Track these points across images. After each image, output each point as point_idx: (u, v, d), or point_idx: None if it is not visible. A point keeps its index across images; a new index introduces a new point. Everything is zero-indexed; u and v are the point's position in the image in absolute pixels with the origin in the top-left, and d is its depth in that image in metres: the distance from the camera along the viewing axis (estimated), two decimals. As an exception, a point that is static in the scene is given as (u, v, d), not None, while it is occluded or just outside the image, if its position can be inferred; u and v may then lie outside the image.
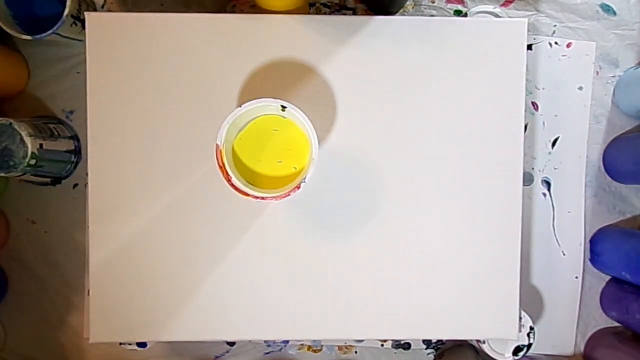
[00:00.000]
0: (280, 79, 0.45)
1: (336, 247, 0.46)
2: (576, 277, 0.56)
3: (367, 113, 0.46)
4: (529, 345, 0.50)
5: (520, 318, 0.47)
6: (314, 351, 0.57)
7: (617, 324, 0.56)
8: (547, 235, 0.56)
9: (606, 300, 0.56)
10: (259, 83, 0.45)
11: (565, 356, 0.57)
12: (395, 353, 0.57)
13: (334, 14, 0.54)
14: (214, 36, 0.45)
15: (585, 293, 0.56)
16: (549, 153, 0.56)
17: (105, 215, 0.45)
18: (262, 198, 0.40)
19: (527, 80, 0.52)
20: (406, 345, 0.56)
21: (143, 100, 0.45)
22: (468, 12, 0.52)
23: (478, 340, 0.51)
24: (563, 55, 0.56)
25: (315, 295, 0.46)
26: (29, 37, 0.49)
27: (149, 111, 0.45)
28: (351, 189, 0.46)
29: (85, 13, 0.45)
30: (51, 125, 0.53)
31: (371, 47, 0.46)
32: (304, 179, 0.39)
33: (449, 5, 0.55)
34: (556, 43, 0.55)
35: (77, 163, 0.56)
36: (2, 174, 0.48)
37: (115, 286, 0.45)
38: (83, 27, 0.50)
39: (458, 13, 0.55)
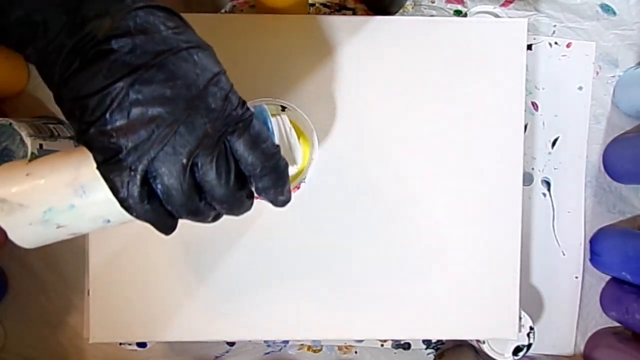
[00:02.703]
0: (280, 79, 0.45)
1: (336, 247, 0.46)
2: (576, 277, 0.56)
3: (367, 113, 0.46)
4: (529, 345, 0.50)
5: (520, 318, 0.47)
6: (314, 351, 0.57)
7: (617, 324, 0.56)
8: (547, 235, 0.56)
9: (606, 300, 0.56)
10: (259, 83, 0.45)
11: (565, 356, 0.57)
12: (395, 353, 0.57)
13: (334, 14, 0.54)
14: (214, 36, 0.45)
15: (585, 293, 0.56)
16: (549, 153, 0.56)
17: (105, 215, 0.45)
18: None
19: (527, 80, 0.52)
20: (406, 345, 0.56)
21: (143, 100, 0.45)
22: (468, 12, 0.52)
23: (478, 340, 0.51)
24: (563, 55, 0.55)
25: (315, 295, 0.46)
26: (29, 37, 0.49)
27: (149, 111, 0.45)
28: (351, 189, 0.46)
29: (85, 13, 0.45)
30: (51, 126, 0.53)
31: (371, 47, 0.46)
32: (304, 179, 0.39)
33: (449, 5, 0.55)
34: (556, 43, 0.55)
35: (77, 163, 0.56)
36: (2, 174, 0.48)
37: (115, 286, 0.45)
38: (83, 27, 0.49)
39: (458, 13, 0.55)
